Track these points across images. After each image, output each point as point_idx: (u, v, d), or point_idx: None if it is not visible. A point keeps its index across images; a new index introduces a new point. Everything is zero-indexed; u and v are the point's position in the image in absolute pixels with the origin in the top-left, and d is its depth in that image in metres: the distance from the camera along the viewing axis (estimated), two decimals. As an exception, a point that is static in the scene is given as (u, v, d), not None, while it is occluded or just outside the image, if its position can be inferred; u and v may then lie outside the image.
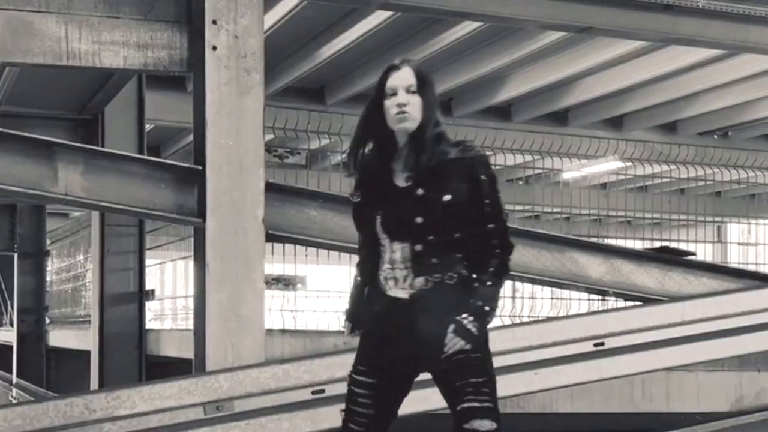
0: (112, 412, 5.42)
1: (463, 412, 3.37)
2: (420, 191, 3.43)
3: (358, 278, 3.66)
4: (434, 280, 3.45)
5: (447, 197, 3.43)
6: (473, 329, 3.39)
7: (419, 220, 3.42)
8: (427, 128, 3.45)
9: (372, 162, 3.56)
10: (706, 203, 10.81)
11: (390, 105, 3.46)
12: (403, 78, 3.48)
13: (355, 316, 3.66)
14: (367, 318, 3.57)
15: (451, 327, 3.40)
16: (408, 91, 3.46)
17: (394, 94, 3.46)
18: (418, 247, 3.43)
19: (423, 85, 3.48)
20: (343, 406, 3.61)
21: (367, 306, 3.57)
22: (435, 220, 3.43)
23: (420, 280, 3.46)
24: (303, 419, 5.64)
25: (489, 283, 3.46)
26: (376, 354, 3.53)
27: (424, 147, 3.44)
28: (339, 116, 8.30)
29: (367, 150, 3.58)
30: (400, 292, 3.48)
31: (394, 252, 3.47)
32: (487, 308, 3.44)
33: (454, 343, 3.39)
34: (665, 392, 7.14)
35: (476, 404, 3.36)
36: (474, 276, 3.46)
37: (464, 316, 3.40)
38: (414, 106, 3.45)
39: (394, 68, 3.51)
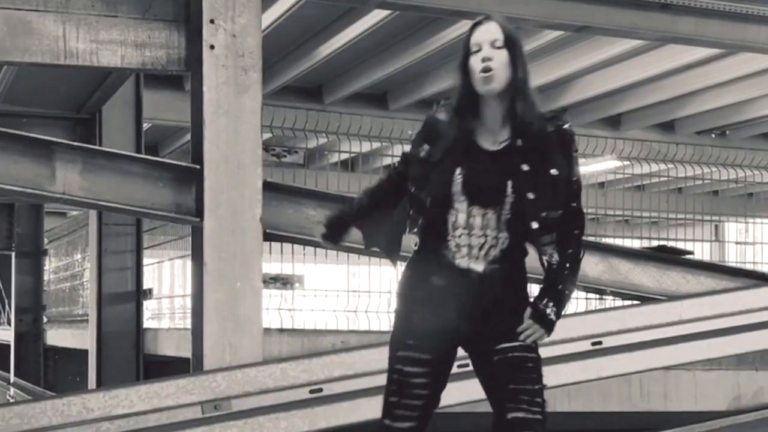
0: (110, 411, 5.42)
1: (516, 422, 3.17)
2: (525, 166, 3.20)
3: (416, 245, 3.31)
4: (508, 257, 3.24)
5: (554, 171, 3.23)
6: (553, 316, 3.24)
7: (531, 195, 3.18)
8: (518, 87, 3.23)
9: (453, 120, 3.27)
10: (704, 202, 10.80)
11: (474, 61, 3.22)
12: (487, 32, 3.24)
13: (392, 252, 3.42)
14: (421, 287, 3.25)
15: (528, 311, 3.24)
16: (493, 45, 3.22)
17: (479, 49, 3.23)
18: (533, 224, 3.21)
19: (510, 41, 3.24)
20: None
21: (423, 275, 3.25)
22: (540, 195, 3.20)
23: (496, 253, 3.23)
24: (301, 418, 5.64)
25: (568, 265, 3.31)
26: (427, 329, 3.21)
27: (517, 108, 3.23)
28: (337, 115, 8.30)
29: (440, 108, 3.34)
30: (473, 263, 3.22)
31: (473, 217, 3.20)
32: (567, 293, 3.31)
33: (533, 330, 3.23)
34: (663, 391, 7.14)
35: (530, 416, 3.18)
36: (555, 258, 3.29)
37: (544, 301, 3.26)
38: (500, 62, 3.21)
39: (478, 24, 3.28)
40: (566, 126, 3.30)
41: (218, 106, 5.84)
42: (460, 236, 3.20)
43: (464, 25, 9.74)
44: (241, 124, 5.87)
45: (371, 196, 3.48)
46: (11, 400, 11.09)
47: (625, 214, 10.80)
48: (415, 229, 3.29)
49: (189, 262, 6.33)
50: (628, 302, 6.79)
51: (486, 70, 3.18)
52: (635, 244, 9.65)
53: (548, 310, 3.24)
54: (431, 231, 3.24)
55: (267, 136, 7.42)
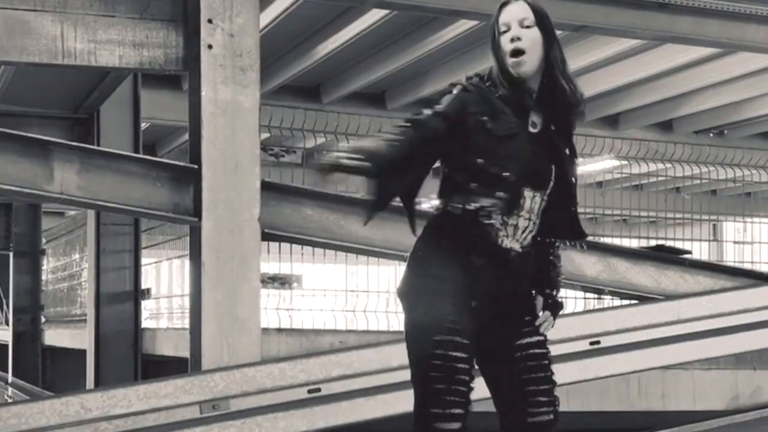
0: (108, 411, 5.42)
1: (538, 426, 3.11)
2: (568, 150, 3.14)
3: (471, 208, 3.05)
4: (536, 247, 3.16)
5: (568, 150, 3.18)
6: (560, 302, 3.20)
7: (574, 180, 3.13)
8: (555, 66, 3.12)
9: (505, 97, 3.10)
10: (702, 201, 10.81)
11: (504, 42, 3.09)
12: (516, 11, 3.12)
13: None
14: (458, 265, 3.05)
15: (541, 302, 3.17)
16: (522, 25, 3.10)
17: (507, 29, 3.10)
18: (573, 209, 3.16)
19: (541, 20, 3.12)
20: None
21: (461, 252, 3.04)
22: (572, 176, 3.15)
23: (530, 238, 3.13)
24: (299, 418, 5.64)
25: (559, 255, 3.28)
26: (465, 312, 3.03)
27: (558, 90, 3.11)
28: (335, 115, 8.30)
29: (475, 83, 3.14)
30: (513, 244, 3.09)
31: (524, 199, 3.08)
32: (560, 278, 3.26)
33: (548, 321, 3.18)
34: (661, 391, 7.14)
35: (551, 417, 3.14)
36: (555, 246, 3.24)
37: (553, 290, 3.20)
38: (531, 42, 3.08)
39: (505, 3, 3.15)
40: (583, 103, 3.24)
41: (216, 106, 5.83)
42: (510, 216, 3.05)
43: (462, 25, 9.76)
44: (239, 124, 5.86)
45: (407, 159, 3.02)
46: (9, 400, 11.08)
47: (624, 214, 10.81)
48: (459, 201, 3.07)
49: (187, 262, 6.33)
50: (626, 302, 6.79)
51: (516, 51, 3.07)
52: (633, 243, 9.66)
53: (558, 298, 3.21)
54: (484, 208, 3.04)
55: (265, 135, 7.42)
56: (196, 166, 5.85)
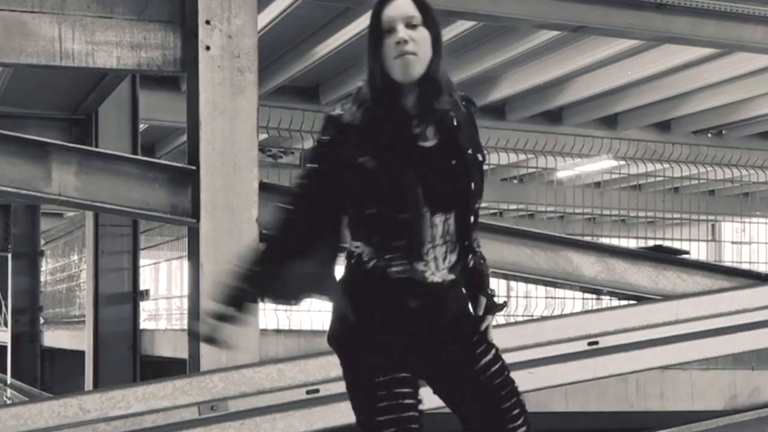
0: (107, 412, 5.42)
1: None
2: (470, 151, 2.81)
3: (374, 263, 2.80)
4: (464, 259, 2.88)
5: (479, 156, 2.86)
6: (500, 307, 2.98)
7: (472, 186, 2.80)
8: (439, 68, 2.76)
9: (374, 116, 2.76)
10: (701, 202, 10.82)
11: (390, 43, 2.71)
12: (400, 8, 2.73)
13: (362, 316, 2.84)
14: (394, 313, 2.83)
15: (483, 302, 2.94)
16: (409, 25, 2.72)
17: (392, 29, 2.72)
18: (472, 219, 2.83)
19: (427, 16, 2.75)
20: None
21: (396, 299, 2.81)
22: (477, 185, 2.82)
23: (453, 257, 2.84)
24: (298, 419, 5.64)
25: (478, 251, 3.00)
26: (408, 350, 2.85)
27: (439, 93, 2.77)
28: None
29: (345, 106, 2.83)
30: (440, 275, 2.82)
31: (435, 226, 2.77)
32: (488, 272, 3.02)
33: (489, 321, 2.95)
34: (660, 391, 7.15)
35: (527, 427, 2.99)
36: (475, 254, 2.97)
37: (490, 291, 2.98)
38: (420, 44, 2.71)
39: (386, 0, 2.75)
40: (472, 100, 2.97)
41: (214, 107, 5.84)
42: (427, 252, 2.78)
43: (459, 26, 9.77)
44: (238, 125, 5.86)
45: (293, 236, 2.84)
46: (8, 402, 11.08)
47: (622, 214, 10.82)
48: (362, 252, 2.82)
49: (185, 263, 6.32)
50: (624, 302, 6.80)
51: (403, 54, 2.69)
52: (632, 243, 9.68)
53: (495, 297, 2.97)
54: (406, 250, 2.77)
55: (263, 136, 7.42)
56: (194, 168, 5.85)
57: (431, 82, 2.75)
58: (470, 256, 2.91)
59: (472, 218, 2.84)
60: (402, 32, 2.70)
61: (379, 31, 2.74)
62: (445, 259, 2.82)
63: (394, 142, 2.75)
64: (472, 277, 2.96)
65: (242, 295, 2.95)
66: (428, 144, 2.79)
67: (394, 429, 2.79)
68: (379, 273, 2.80)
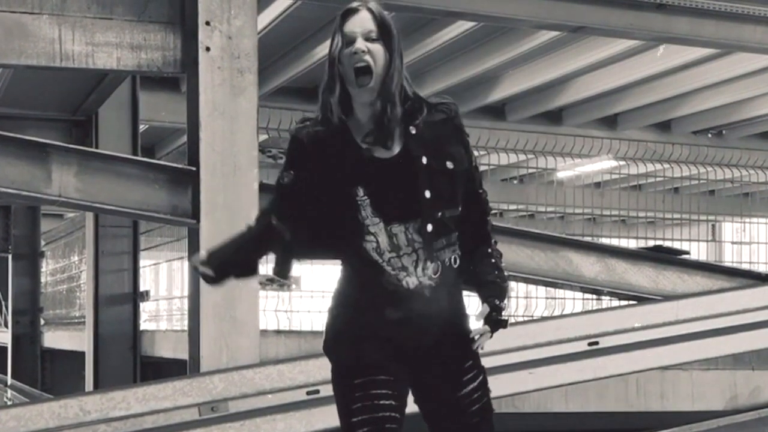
0: (107, 413, 5.42)
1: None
2: (424, 159, 2.85)
3: (347, 282, 2.92)
4: (443, 265, 2.89)
5: (450, 164, 2.90)
6: (504, 315, 2.95)
7: (428, 194, 2.85)
8: (393, 83, 2.85)
9: (327, 130, 2.88)
10: (700, 202, 10.82)
11: (347, 54, 2.84)
12: (360, 22, 2.86)
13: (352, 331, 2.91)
14: (372, 323, 2.89)
15: (485, 310, 2.92)
16: (367, 38, 2.85)
17: (351, 42, 2.85)
18: (429, 227, 2.85)
19: (386, 32, 2.88)
20: None
21: (371, 310, 2.88)
22: (441, 193, 2.86)
23: (432, 266, 2.87)
24: (298, 420, 5.64)
25: (497, 254, 3.02)
26: (377, 352, 2.89)
27: (393, 106, 2.85)
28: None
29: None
30: (413, 282, 2.86)
31: (395, 236, 2.84)
32: (506, 285, 2.99)
33: (486, 337, 2.92)
34: (660, 391, 7.15)
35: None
36: (475, 253, 2.98)
37: (499, 302, 2.93)
38: (376, 57, 2.83)
39: (350, 12, 2.88)
40: (456, 110, 3.00)
41: (214, 108, 5.84)
42: (389, 261, 2.85)
43: (459, 26, 9.77)
44: (237, 126, 5.86)
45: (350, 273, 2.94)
46: (8, 403, 11.08)
47: (622, 214, 10.82)
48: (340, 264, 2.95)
49: (186, 264, 6.32)
50: (624, 302, 6.80)
51: (359, 65, 2.82)
52: (632, 244, 9.68)
53: (503, 315, 2.95)
54: (357, 263, 2.88)
55: (263, 137, 7.42)
56: (194, 168, 5.85)
57: (385, 96, 2.85)
58: (454, 258, 2.92)
59: (430, 227, 2.85)
60: (360, 43, 2.83)
61: (339, 42, 2.87)
62: (417, 266, 2.86)
63: (341, 155, 2.86)
64: (482, 281, 2.98)
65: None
66: (384, 155, 2.87)
67: (367, 429, 2.83)
68: (358, 283, 2.91)
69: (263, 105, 6.37)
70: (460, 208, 2.92)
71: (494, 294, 2.97)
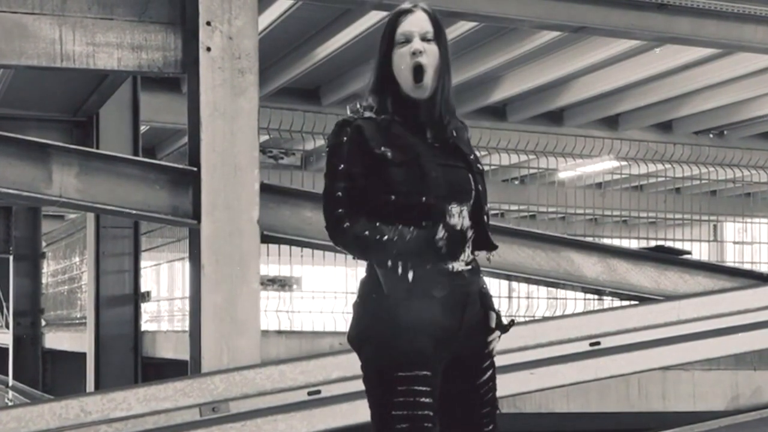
0: (108, 414, 5.42)
1: None
2: (471, 156, 2.99)
3: (404, 254, 2.87)
4: (475, 258, 3.01)
5: (479, 166, 3.04)
6: (508, 326, 3.06)
7: (480, 188, 2.98)
8: (447, 86, 2.94)
9: (384, 122, 2.94)
10: (702, 202, 10.81)
11: (404, 53, 2.89)
12: (418, 22, 2.92)
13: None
14: (419, 308, 2.89)
15: (493, 317, 3.01)
16: (424, 38, 2.90)
17: (407, 41, 2.90)
18: (481, 215, 2.98)
19: (440, 33, 2.93)
20: None
21: (420, 287, 2.88)
22: (483, 188, 3.00)
23: (468, 252, 2.98)
24: (299, 420, 5.63)
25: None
26: (432, 348, 2.91)
27: (447, 107, 2.95)
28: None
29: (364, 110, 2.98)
30: (458, 265, 2.94)
31: (452, 216, 2.92)
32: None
33: (497, 340, 3.04)
34: (661, 391, 7.14)
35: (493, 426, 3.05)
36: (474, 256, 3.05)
37: (494, 308, 3.03)
38: (431, 58, 2.89)
39: (405, 12, 2.93)
40: (465, 125, 3.12)
41: (215, 109, 5.83)
42: (444, 237, 2.89)
43: (460, 27, 9.77)
44: (238, 127, 5.86)
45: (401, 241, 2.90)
46: (9, 404, 11.08)
47: (623, 215, 10.82)
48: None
49: (187, 265, 6.32)
50: (626, 302, 6.79)
51: (418, 66, 2.88)
52: (633, 244, 9.67)
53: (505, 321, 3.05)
54: (427, 234, 2.90)
55: (264, 138, 7.42)
56: (195, 169, 5.84)
57: (442, 101, 2.93)
58: (475, 255, 3.02)
59: (486, 218, 3.00)
60: (417, 43, 2.89)
61: (392, 42, 2.92)
62: (463, 250, 2.95)
63: (408, 138, 2.91)
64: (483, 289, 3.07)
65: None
66: (437, 144, 2.96)
67: (407, 425, 2.85)
68: (404, 266, 2.89)
69: (264, 105, 6.37)
70: (487, 206, 3.04)
71: (491, 302, 3.06)
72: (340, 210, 2.95)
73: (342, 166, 2.95)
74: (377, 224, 2.90)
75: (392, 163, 2.89)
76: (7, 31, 5.66)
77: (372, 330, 2.95)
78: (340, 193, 2.96)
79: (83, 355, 9.72)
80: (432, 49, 2.90)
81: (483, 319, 3.02)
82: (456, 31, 9.96)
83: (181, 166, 6.03)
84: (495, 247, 3.07)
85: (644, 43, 10.20)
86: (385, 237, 2.87)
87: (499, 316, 3.05)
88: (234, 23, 5.86)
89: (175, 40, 5.92)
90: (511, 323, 3.09)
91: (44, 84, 8.59)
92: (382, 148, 2.89)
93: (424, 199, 2.87)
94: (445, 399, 2.97)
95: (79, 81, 8.48)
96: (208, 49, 5.82)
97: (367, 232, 2.90)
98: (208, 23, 5.82)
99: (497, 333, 3.04)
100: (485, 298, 3.04)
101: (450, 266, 2.92)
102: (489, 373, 3.04)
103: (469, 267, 2.97)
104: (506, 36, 10.59)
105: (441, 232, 2.89)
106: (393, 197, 2.88)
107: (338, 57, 10.97)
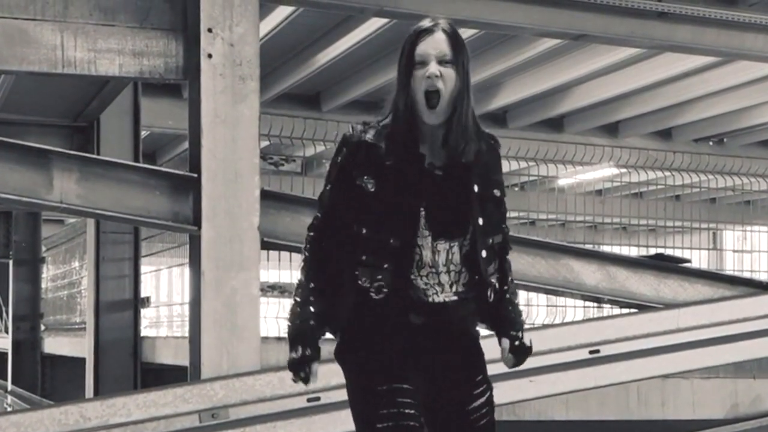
0: (107, 419, 5.42)
1: None
2: (476, 188, 2.88)
3: (369, 283, 2.85)
4: (473, 291, 2.92)
5: (497, 192, 2.96)
6: (528, 352, 3.00)
7: (481, 221, 2.88)
8: (464, 110, 2.85)
9: (393, 144, 2.86)
10: (701, 210, 10.82)
11: (419, 77, 2.82)
12: (435, 43, 2.84)
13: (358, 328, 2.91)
14: (392, 329, 2.88)
15: (506, 343, 2.97)
16: (441, 61, 2.83)
17: (424, 63, 2.82)
18: (484, 253, 2.89)
19: (459, 56, 2.85)
20: None
21: (395, 316, 2.86)
22: (491, 219, 2.91)
23: (462, 289, 2.90)
24: (298, 427, 5.63)
25: (513, 290, 3.05)
26: (413, 366, 2.91)
27: (463, 133, 2.86)
28: (334, 123, 8.30)
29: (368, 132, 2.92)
30: (441, 297, 2.88)
31: (438, 253, 2.86)
32: (521, 320, 3.03)
33: (510, 362, 3.01)
34: (661, 399, 7.14)
35: None
36: (497, 286, 2.99)
37: (515, 332, 2.98)
38: (447, 81, 2.82)
39: (425, 32, 2.85)
40: (498, 141, 3.06)
41: (216, 115, 5.84)
42: (427, 275, 2.85)
43: (461, 33, 9.76)
44: (239, 133, 5.87)
45: (367, 273, 2.87)
46: (8, 409, 11.07)
47: (623, 222, 10.81)
48: (365, 276, 2.86)
49: (187, 271, 6.33)
50: (625, 310, 6.79)
51: (433, 90, 2.81)
52: (633, 251, 9.66)
53: (525, 342, 2.99)
54: (393, 273, 2.83)
55: (265, 144, 7.43)
56: (195, 175, 5.85)
57: (459, 127, 2.85)
58: (489, 291, 2.95)
59: (484, 253, 2.90)
60: (433, 67, 2.80)
61: (411, 63, 2.83)
62: (452, 286, 2.88)
63: (401, 167, 2.84)
64: (498, 317, 3.01)
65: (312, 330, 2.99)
66: (438, 172, 2.87)
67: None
68: (381, 294, 2.86)
69: (265, 112, 6.37)
70: (501, 235, 2.98)
71: (510, 327, 3.01)
72: (314, 223, 2.99)
73: (329, 186, 2.97)
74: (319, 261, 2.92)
75: (372, 197, 2.84)
76: (8, 37, 5.67)
77: (351, 344, 2.96)
78: (320, 214, 2.98)
79: (82, 360, 9.72)
80: (449, 74, 2.83)
81: (469, 349, 2.98)
82: (456, 38, 9.96)
83: (181, 172, 6.04)
84: (488, 285, 2.96)
85: (644, 51, 10.20)
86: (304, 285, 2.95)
87: (514, 340, 2.99)
88: (235, 30, 5.87)
89: (176, 46, 5.93)
90: (528, 350, 3.02)
91: (45, 90, 8.59)
92: (365, 178, 2.85)
93: (391, 240, 2.82)
94: (434, 420, 2.96)
95: (80, 87, 8.48)
96: (210, 55, 5.83)
97: (309, 260, 2.95)
98: (210, 30, 5.83)
99: (510, 357, 3.00)
100: (500, 326, 3.00)
101: (430, 299, 2.86)
102: (482, 399, 2.98)
103: (457, 298, 2.88)
104: (507, 43, 10.59)
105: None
106: (364, 231, 2.85)
107: (339, 63, 10.98)
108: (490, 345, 3.11)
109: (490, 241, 2.92)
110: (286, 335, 3.04)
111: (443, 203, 2.86)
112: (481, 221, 2.88)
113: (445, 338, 2.91)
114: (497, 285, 2.98)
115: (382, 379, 2.86)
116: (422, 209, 2.83)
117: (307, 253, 2.97)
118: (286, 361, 3.02)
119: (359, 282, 2.88)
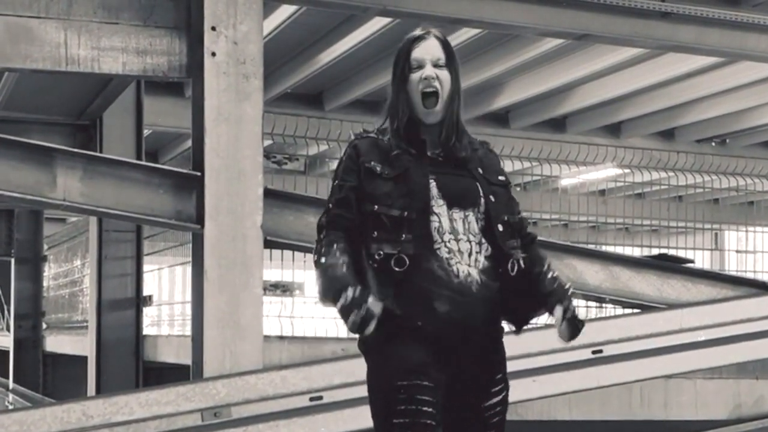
0: (110, 418, 5.42)
1: None
2: (480, 170, 3.05)
3: (386, 256, 2.91)
4: (495, 265, 2.98)
5: (501, 177, 3.10)
6: (581, 324, 3.01)
7: (492, 198, 3.01)
8: (455, 110, 3.04)
9: (399, 139, 3.05)
10: (704, 210, 10.80)
11: (415, 79, 3.02)
12: (430, 49, 3.06)
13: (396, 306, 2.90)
14: (419, 316, 2.91)
15: (559, 311, 2.98)
16: (436, 65, 3.03)
17: (420, 67, 3.03)
18: (500, 227, 2.99)
19: (451, 60, 3.07)
20: None
21: (419, 301, 2.90)
22: (499, 199, 3.04)
23: (482, 259, 2.97)
24: (301, 426, 5.63)
25: (553, 270, 3.08)
26: (434, 359, 2.93)
27: (456, 129, 3.03)
28: (337, 122, 8.30)
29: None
30: (472, 270, 2.95)
31: (455, 221, 2.97)
32: (567, 289, 3.04)
33: (565, 334, 3.02)
34: (663, 400, 7.13)
35: None
36: (541, 267, 3.05)
37: (567, 304, 2.98)
38: (443, 82, 3.02)
39: (419, 39, 3.06)
40: (490, 145, 3.20)
41: (219, 113, 5.84)
42: (449, 241, 2.94)
43: (464, 33, 9.77)
44: (242, 131, 5.87)
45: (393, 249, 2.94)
46: (10, 407, 11.08)
47: (626, 222, 10.81)
48: (380, 252, 2.93)
49: (189, 269, 6.32)
50: (628, 310, 6.79)
51: (430, 91, 3.00)
52: (635, 252, 9.65)
53: (577, 313, 3.01)
54: (414, 243, 2.91)
55: (268, 143, 7.42)
56: (198, 174, 5.85)
57: (450, 118, 3.04)
58: (511, 264, 3.00)
59: (500, 227, 3.00)
60: (429, 70, 3.02)
61: (407, 67, 3.04)
62: (470, 255, 2.95)
63: (405, 156, 3.01)
64: (544, 292, 3.03)
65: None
66: (440, 159, 3.04)
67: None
68: (402, 274, 2.91)
69: (268, 110, 6.37)
70: (518, 217, 3.08)
71: (562, 296, 3.02)
72: (323, 219, 3.10)
73: (337, 181, 3.08)
74: (335, 252, 2.99)
75: (380, 177, 2.99)
76: (12, 35, 5.67)
77: (373, 338, 2.94)
78: (330, 205, 3.08)
79: (84, 359, 9.72)
80: (444, 75, 3.03)
81: (492, 347, 3.03)
82: (459, 38, 9.96)
83: (184, 170, 6.04)
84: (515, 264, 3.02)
85: (647, 51, 10.20)
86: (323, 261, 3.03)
87: (566, 310, 2.98)
88: (239, 28, 5.87)
89: (180, 44, 5.94)
90: (581, 322, 3.03)
91: (48, 87, 8.60)
92: (372, 163, 3.00)
93: (405, 213, 2.93)
94: (448, 416, 2.97)
95: (84, 85, 8.48)
96: (213, 53, 5.84)
97: (323, 260, 3.05)
98: (213, 28, 5.83)
99: (563, 327, 3.00)
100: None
101: (454, 268, 2.92)
102: (498, 398, 3.04)
103: (481, 278, 2.94)
104: (509, 43, 10.59)
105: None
106: (375, 207, 2.96)
107: (342, 62, 10.98)
108: (509, 342, 3.12)
109: (505, 218, 3.03)
110: (322, 296, 3.04)
111: (451, 177, 3.01)
112: (492, 198, 3.01)
113: (470, 331, 2.94)
114: (521, 263, 3.02)
115: (402, 374, 2.89)
116: (432, 179, 2.97)
117: (321, 235, 3.09)
118: (337, 310, 2.89)
119: (376, 256, 2.93)
